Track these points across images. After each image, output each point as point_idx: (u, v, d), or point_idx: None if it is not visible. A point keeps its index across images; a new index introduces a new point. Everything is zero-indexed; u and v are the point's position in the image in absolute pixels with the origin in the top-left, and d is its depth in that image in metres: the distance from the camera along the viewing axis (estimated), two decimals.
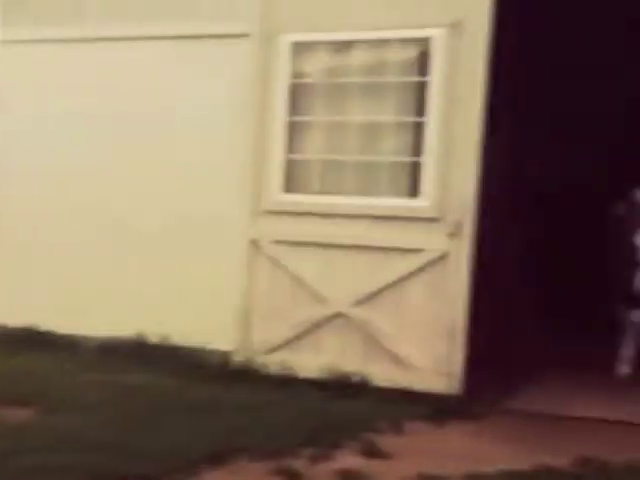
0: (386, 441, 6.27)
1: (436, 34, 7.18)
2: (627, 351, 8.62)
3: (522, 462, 5.76)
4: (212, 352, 8.07)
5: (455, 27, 7.10)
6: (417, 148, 7.28)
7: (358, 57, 7.55)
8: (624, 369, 8.57)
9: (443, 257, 7.09)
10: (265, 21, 7.83)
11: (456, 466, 5.74)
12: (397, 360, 7.24)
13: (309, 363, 7.52)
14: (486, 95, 7.05)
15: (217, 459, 5.83)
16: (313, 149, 7.77)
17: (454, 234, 7.04)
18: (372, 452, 6.04)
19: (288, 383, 7.45)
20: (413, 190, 7.31)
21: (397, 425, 6.58)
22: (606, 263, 9.35)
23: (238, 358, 7.85)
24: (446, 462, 5.84)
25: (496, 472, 5.52)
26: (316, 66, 7.76)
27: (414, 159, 7.31)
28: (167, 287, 8.45)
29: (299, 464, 5.78)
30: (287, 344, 7.67)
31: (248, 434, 6.26)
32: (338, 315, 7.48)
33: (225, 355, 7.97)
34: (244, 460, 5.86)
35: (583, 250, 10.64)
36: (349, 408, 6.89)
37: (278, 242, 7.80)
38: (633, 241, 8.49)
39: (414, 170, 7.31)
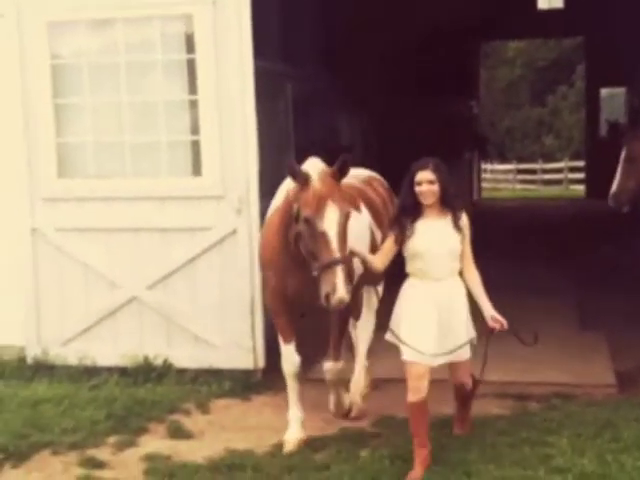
0: (192, 421, 6.42)
1: (197, 10, 7.11)
2: None
3: (326, 429, 6.09)
4: (5, 348, 7.82)
5: (215, 3, 7.06)
6: (195, 126, 7.24)
7: (122, 35, 7.34)
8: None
9: (232, 234, 7.15)
10: (20, 1, 7.44)
11: (260, 438, 5.99)
12: (198, 340, 7.30)
13: (108, 351, 7.44)
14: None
15: (17, 457, 5.78)
16: (85, 132, 7.52)
17: (240, 210, 7.11)
18: (178, 433, 6.18)
19: (87, 373, 7.37)
20: (196, 169, 7.29)
21: (202, 404, 6.72)
22: None
23: (32, 352, 7.64)
24: (251, 435, 6.07)
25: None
26: (79, 46, 7.47)
27: (194, 137, 7.27)
28: None
29: (104, 453, 5.84)
30: (83, 334, 7.54)
31: (49, 428, 6.20)
32: (132, 300, 7.40)
33: (20, 350, 7.75)
34: (46, 455, 5.83)
35: None
36: (153, 393, 6.93)
37: (60, 230, 7.58)
38: None
39: (195, 149, 7.27)
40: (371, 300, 6.52)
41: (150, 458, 5.70)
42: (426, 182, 5.08)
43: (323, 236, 4.95)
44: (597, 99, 19.44)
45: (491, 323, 5.21)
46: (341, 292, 4.84)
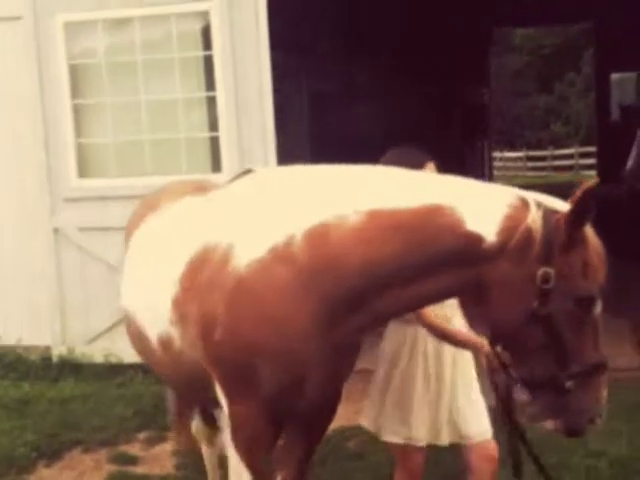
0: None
1: (214, 7, 7.14)
2: None
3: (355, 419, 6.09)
4: (29, 348, 7.88)
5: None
6: (214, 123, 7.27)
7: (139, 34, 7.38)
8: None
9: None
10: (37, 2, 7.48)
11: None
12: None
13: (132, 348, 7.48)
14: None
15: (50, 456, 5.84)
16: (105, 131, 7.58)
17: None
18: None
19: (114, 371, 7.41)
20: (215, 166, 7.32)
21: None
22: None
23: (58, 351, 7.70)
24: None
25: None
26: (97, 45, 7.51)
27: (212, 134, 7.31)
28: None
29: (134, 449, 5.88)
30: (108, 332, 7.58)
31: (78, 427, 6.26)
32: None
33: (45, 350, 7.80)
34: (77, 453, 5.88)
35: None
36: None
37: (82, 229, 7.63)
38: None
39: (214, 145, 7.31)
40: None
41: (181, 453, 5.74)
42: None
43: (594, 325, 2.94)
44: (607, 84, 19.38)
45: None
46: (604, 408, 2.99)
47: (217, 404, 3.40)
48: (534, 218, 2.73)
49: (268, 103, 7.14)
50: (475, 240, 2.76)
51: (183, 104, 7.40)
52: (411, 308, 3.20)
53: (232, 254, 3.10)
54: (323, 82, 10.79)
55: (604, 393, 2.92)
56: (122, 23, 7.44)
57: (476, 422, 3.80)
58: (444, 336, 3.62)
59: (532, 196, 2.82)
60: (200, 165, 7.40)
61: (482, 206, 2.80)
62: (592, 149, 26.65)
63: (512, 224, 2.74)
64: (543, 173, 30.63)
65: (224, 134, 7.21)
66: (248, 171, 3.44)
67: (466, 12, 15.12)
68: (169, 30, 7.31)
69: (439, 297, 3.07)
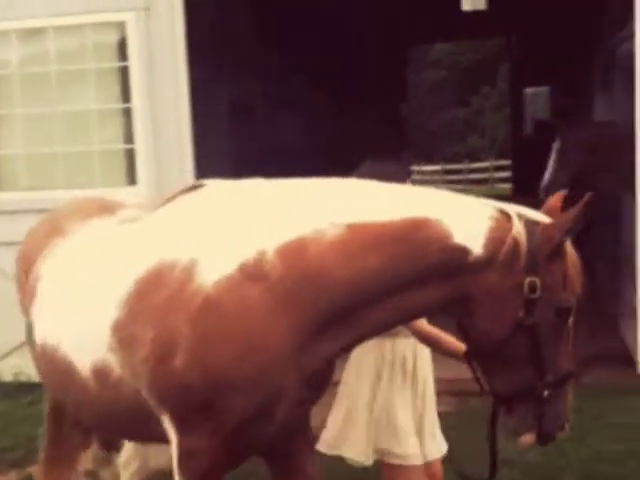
0: None
1: (130, 17, 7.04)
2: None
3: None
4: None
5: (148, 10, 7.00)
6: (130, 135, 7.17)
7: (54, 44, 7.23)
8: None
9: None
10: None
11: None
12: None
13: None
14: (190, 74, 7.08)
15: None
16: (16, 143, 7.38)
17: None
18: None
19: (24, 389, 7.20)
20: (130, 179, 7.21)
21: None
22: None
23: None
24: None
25: None
26: (10, 56, 7.33)
27: (128, 146, 7.19)
28: None
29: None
30: (17, 350, 7.36)
31: None
32: None
33: None
34: None
35: None
36: None
37: None
38: None
39: (129, 158, 7.20)
40: None
41: (94, 474, 5.60)
42: None
43: (568, 334, 2.95)
44: (521, 98, 19.83)
45: None
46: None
47: (153, 439, 3.19)
48: (518, 230, 2.77)
49: (185, 115, 7.07)
50: (462, 253, 2.77)
51: (98, 116, 7.27)
52: (396, 323, 3.12)
53: (195, 271, 2.85)
54: (243, 94, 10.77)
55: (571, 399, 2.96)
56: (36, 33, 7.28)
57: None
58: (435, 344, 3.59)
59: (511, 208, 2.86)
60: (115, 178, 7.28)
61: (466, 219, 2.81)
62: (507, 162, 27.19)
63: (496, 236, 2.78)
64: (459, 186, 31.07)
65: (140, 146, 7.10)
66: (198, 185, 3.17)
67: (384, 30, 15.30)
68: (84, 40, 7.18)
69: (424, 311, 3.06)
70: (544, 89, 19.21)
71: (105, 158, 7.28)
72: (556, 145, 7.73)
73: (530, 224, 2.81)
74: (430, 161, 35.11)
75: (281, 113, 12.17)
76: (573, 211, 2.79)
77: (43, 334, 3.48)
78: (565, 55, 14.68)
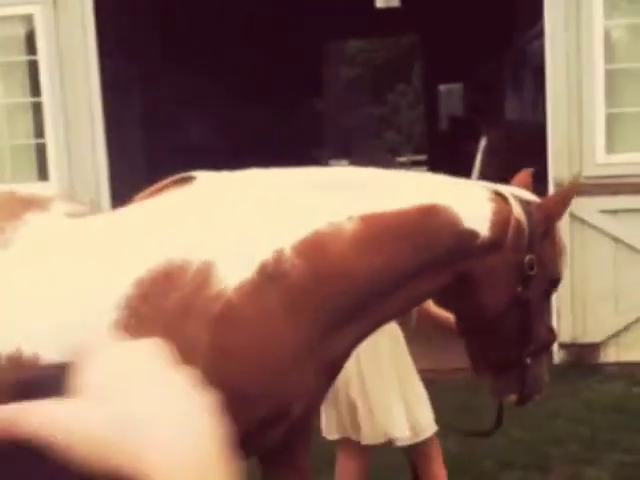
0: None
1: (38, 11, 6.92)
2: None
3: None
4: None
5: (57, 3, 6.88)
6: (40, 130, 7.04)
7: None
8: None
9: None
10: None
11: None
12: None
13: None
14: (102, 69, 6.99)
15: None
16: None
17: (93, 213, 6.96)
18: None
19: None
20: (42, 174, 7.08)
21: None
22: None
23: None
24: None
25: None
26: None
27: (39, 141, 7.06)
28: None
29: None
30: None
31: None
32: None
33: None
34: None
35: None
36: None
37: None
38: None
39: (40, 153, 7.07)
40: None
41: None
42: None
43: (549, 304, 3.30)
44: (435, 95, 20.08)
45: None
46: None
47: None
48: (518, 210, 2.85)
49: (97, 109, 6.98)
50: (471, 236, 2.80)
51: (6, 110, 7.11)
52: (406, 310, 3.21)
53: (212, 274, 2.59)
54: (159, 91, 10.67)
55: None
56: None
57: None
58: (441, 324, 3.64)
59: (504, 189, 2.93)
60: (25, 173, 7.14)
61: (470, 203, 2.83)
62: (423, 157, 27.56)
63: (499, 218, 2.84)
64: None
65: (51, 141, 6.98)
66: (187, 178, 2.82)
67: (297, 25, 15.33)
68: None
69: (429, 295, 3.16)
70: (457, 86, 19.52)
71: (15, 153, 7.13)
72: (482, 143, 7.88)
73: (525, 204, 2.90)
74: (349, 156, 35.28)
75: (188, 109, 12.10)
76: (563, 191, 3.02)
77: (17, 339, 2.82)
78: (477, 53, 14.95)
